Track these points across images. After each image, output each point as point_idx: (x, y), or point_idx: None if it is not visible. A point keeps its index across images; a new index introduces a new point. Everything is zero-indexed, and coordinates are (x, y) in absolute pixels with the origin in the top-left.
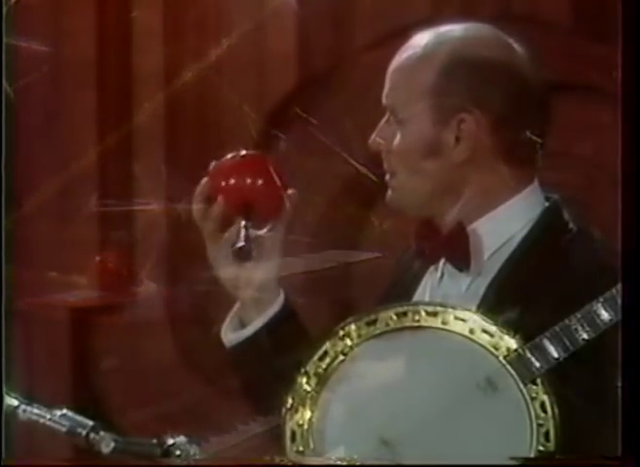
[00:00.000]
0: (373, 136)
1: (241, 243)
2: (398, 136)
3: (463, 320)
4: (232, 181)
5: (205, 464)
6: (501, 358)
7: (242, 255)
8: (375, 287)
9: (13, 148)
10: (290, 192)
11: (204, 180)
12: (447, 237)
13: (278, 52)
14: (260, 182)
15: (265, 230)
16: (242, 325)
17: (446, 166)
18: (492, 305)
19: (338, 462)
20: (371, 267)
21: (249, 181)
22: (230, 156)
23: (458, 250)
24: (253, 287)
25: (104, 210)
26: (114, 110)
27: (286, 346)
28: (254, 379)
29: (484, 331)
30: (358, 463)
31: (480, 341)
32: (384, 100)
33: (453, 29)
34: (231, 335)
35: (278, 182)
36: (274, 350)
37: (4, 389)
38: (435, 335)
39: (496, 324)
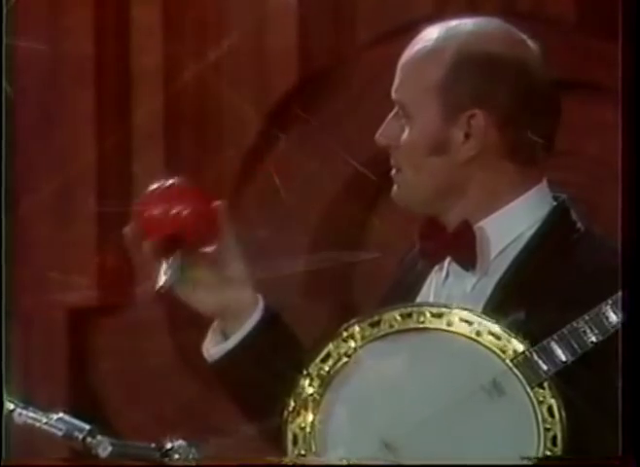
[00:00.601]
0: (380, 131)
1: (160, 283)
2: (406, 132)
3: (469, 322)
4: (156, 214)
5: (205, 464)
6: (507, 361)
7: (164, 293)
8: (379, 287)
9: (11, 147)
10: (216, 203)
11: (130, 225)
12: (453, 236)
13: (279, 50)
14: (184, 210)
15: (213, 245)
16: (225, 337)
17: (453, 163)
18: (498, 305)
19: (339, 462)
20: (373, 266)
21: (173, 211)
22: (152, 188)
23: (464, 249)
24: (227, 304)
25: (104, 210)
26: (113, 109)
27: (273, 354)
28: (242, 392)
29: (490, 333)
30: (358, 463)
31: (486, 344)
32: (393, 95)
33: (465, 23)
34: (213, 349)
35: (205, 200)
36: (260, 360)
37: (4, 390)
38: (440, 336)
39: (502, 326)
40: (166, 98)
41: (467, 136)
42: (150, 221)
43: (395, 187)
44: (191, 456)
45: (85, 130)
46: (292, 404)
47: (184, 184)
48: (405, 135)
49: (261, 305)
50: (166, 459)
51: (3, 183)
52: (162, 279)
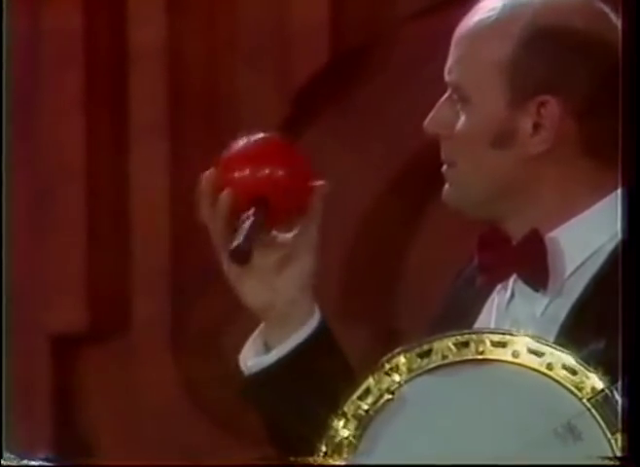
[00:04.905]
0: (429, 118)
1: (237, 242)
2: (462, 119)
3: (538, 353)
4: (244, 171)
5: (206, 464)
6: (585, 400)
7: (239, 257)
8: (429, 310)
9: None
10: (318, 183)
11: (210, 171)
12: (520, 248)
13: (306, 24)
14: (278, 172)
15: (291, 232)
16: (267, 349)
17: (519, 159)
18: (575, 333)
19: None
20: (422, 284)
21: (264, 171)
22: (243, 141)
23: (533, 264)
24: (280, 302)
25: (94, 215)
26: (106, 94)
27: (320, 378)
28: (278, 417)
29: (565, 366)
30: (358, 464)
31: (560, 379)
32: (447, 76)
33: None
34: (251, 361)
35: (303, 172)
36: (305, 382)
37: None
38: (503, 370)
39: (579, 358)
40: (170, 81)
41: (536, 127)
42: (236, 180)
43: (447, 185)
44: None
45: (72, 119)
46: (323, 448)
47: (286, 143)
48: (460, 123)
49: (317, 315)
50: None
51: (4, 183)
52: (240, 238)
